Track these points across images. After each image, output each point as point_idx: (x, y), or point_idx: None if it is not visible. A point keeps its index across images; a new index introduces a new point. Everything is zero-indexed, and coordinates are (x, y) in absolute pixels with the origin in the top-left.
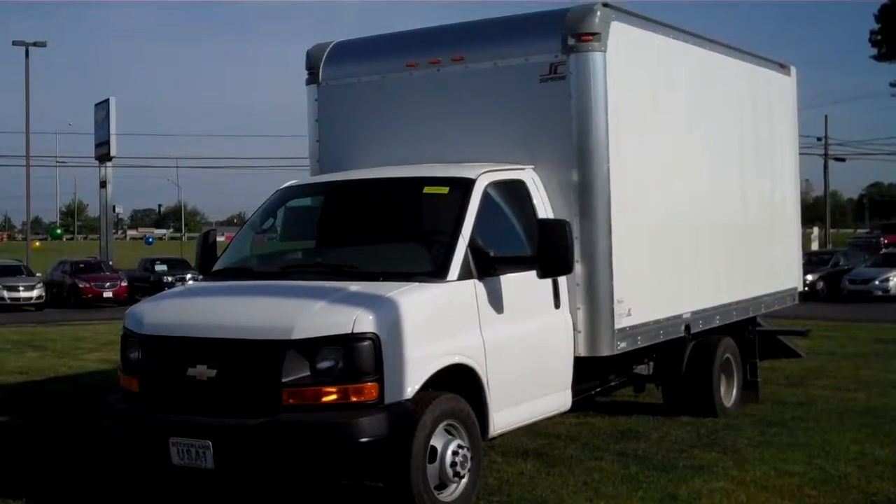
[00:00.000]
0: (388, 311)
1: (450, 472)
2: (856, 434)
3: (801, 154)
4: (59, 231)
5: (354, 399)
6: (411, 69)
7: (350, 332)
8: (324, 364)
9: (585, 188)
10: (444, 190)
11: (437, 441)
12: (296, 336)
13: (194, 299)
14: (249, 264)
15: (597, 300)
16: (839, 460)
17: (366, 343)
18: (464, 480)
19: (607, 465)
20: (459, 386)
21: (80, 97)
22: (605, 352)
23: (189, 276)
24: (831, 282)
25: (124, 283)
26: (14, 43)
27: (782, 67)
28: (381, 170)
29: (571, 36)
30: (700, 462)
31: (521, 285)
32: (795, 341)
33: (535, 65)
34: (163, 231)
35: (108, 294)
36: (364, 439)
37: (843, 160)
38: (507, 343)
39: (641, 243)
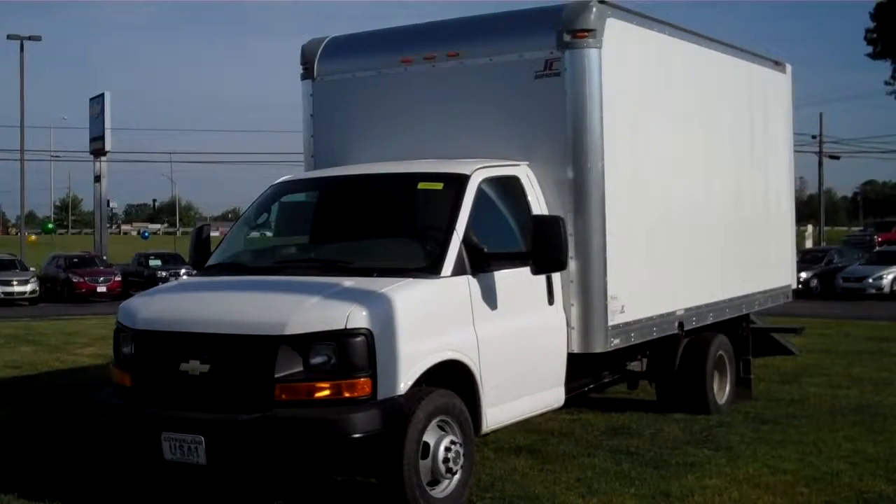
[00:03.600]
0: (382, 307)
1: (442, 468)
2: (848, 431)
3: (795, 151)
4: (50, 226)
5: (347, 395)
6: (406, 65)
7: (343, 327)
8: (317, 359)
9: (580, 185)
10: (439, 186)
11: (429, 437)
12: (289, 331)
13: (187, 294)
14: (243, 259)
15: (590, 297)
16: (831, 458)
17: (359, 339)
18: (456, 476)
19: (600, 462)
20: (452, 382)
21: (75, 92)
22: (598, 348)
23: (183, 270)
24: (825, 279)
25: (118, 278)
26: (9, 37)
27: (777, 65)
28: (376, 165)
29: (567, 32)
30: (693, 459)
31: (515, 281)
32: (789, 339)
33: (530, 61)
34: (157, 226)
35: (101, 289)
36: (357, 435)
37: (837, 158)
38: (500, 339)
39: (635, 240)
